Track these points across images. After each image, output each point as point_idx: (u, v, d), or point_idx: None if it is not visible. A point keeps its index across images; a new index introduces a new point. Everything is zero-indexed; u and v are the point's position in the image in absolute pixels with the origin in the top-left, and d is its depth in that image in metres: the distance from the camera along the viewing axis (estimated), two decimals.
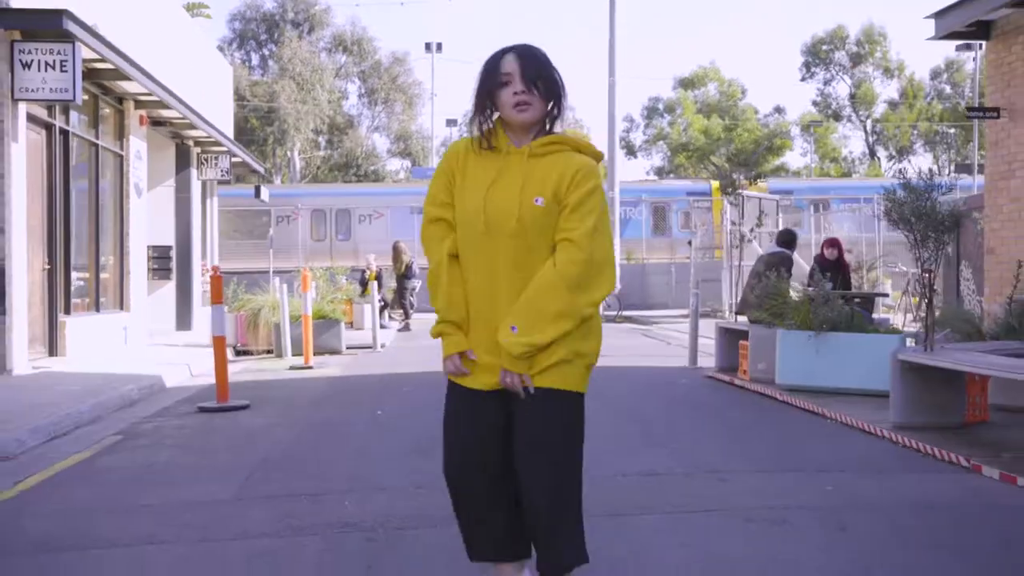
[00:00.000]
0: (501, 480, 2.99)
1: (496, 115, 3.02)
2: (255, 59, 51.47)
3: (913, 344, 9.21)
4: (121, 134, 15.28)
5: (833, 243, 11.38)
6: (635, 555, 4.05)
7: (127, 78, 13.46)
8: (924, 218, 6.55)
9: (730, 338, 10.74)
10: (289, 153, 47.89)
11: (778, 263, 10.02)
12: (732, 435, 7.05)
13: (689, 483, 5.37)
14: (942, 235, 6.67)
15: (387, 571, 3.96)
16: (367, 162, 51.60)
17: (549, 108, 2.97)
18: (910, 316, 15.73)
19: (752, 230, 14.04)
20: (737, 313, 10.83)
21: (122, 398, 9.45)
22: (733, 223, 13.75)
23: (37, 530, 4.67)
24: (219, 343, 8.92)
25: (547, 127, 2.99)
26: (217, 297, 9.01)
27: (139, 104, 15.48)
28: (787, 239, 10.73)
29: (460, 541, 3.17)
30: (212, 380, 9.87)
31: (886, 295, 13.87)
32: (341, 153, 50.63)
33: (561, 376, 2.90)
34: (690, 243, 26.76)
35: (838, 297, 9.34)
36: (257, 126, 47.22)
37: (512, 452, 2.95)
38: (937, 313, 10.79)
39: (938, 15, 12.49)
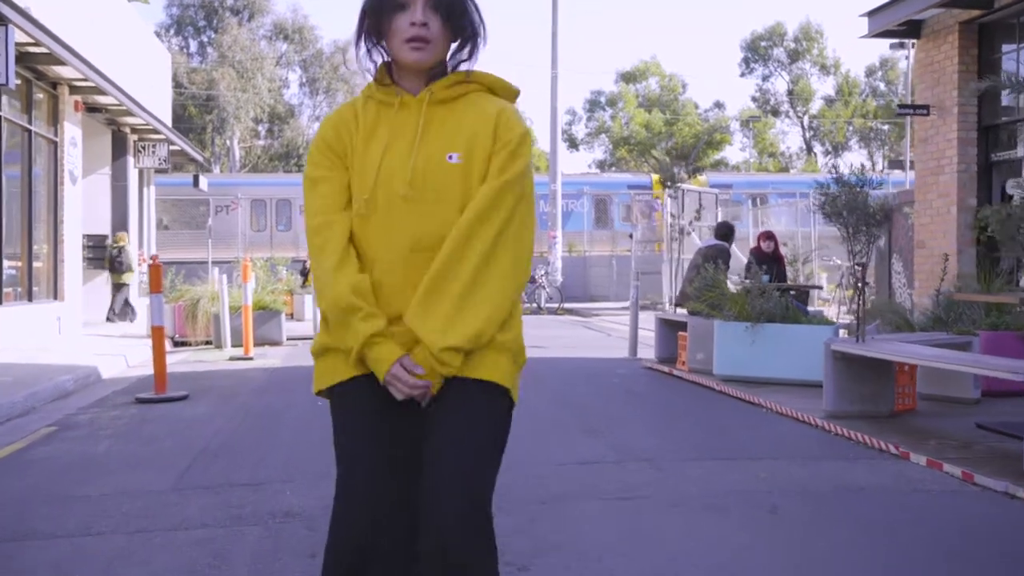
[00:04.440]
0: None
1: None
2: (193, 45, 50.72)
3: (845, 335, 9.46)
4: (55, 120, 14.99)
5: (769, 236, 11.59)
6: (573, 540, 4.13)
7: (62, 63, 13.21)
8: (856, 212, 6.73)
9: (669, 329, 10.90)
10: (228, 142, 47.28)
11: (715, 255, 10.19)
12: (667, 423, 7.18)
13: (623, 471, 5.47)
14: (873, 228, 6.85)
15: None
16: (308, 151, 51.15)
17: (455, 50, 2.29)
18: (843, 308, 16.10)
19: (691, 223, 14.23)
20: (676, 305, 10.99)
21: (56, 388, 9.30)
22: (672, 215, 13.90)
23: None
24: (157, 333, 8.82)
25: (448, 68, 2.29)
26: (156, 286, 8.91)
27: (74, 90, 15.20)
28: (724, 232, 10.91)
29: None
30: (149, 371, 9.74)
31: (820, 287, 14.15)
32: (282, 142, 50.13)
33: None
34: (631, 236, 27.05)
35: (774, 289, 9.55)
36: (195, 114, 46.55)
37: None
38: (869, 305, 11.08)
39: (871, 14, 12.79)
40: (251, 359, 12.44)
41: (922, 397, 7.81)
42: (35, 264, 14.44)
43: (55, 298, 15.02)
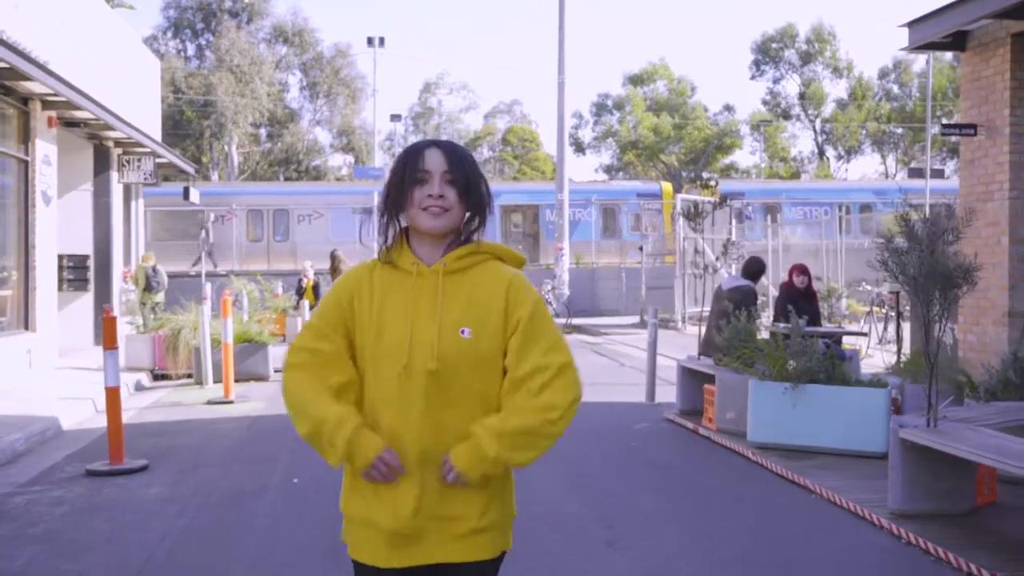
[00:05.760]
0: None
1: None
2: (191, 49, 49.67)
3: (896, 394, 8.33)
4: (26, 138, 13.90)
5: (803, 270, 10.44)
6: None
7: (29, 78, 12.14)
8: (931, 275, 5.60)
9: (693, 379, 9.75)
10: (227, 148, 46.17)
11: (742, 300, 9.04)
12: (704, 522, 6.05)
13: None
14: (950, 292, 5.72)
15: None
16: (308, 157, 50.03)
17: (467, 219, 2.50)
18: (875, 337, 14.97)
19: (718, 258, 13.09)
20: (700, 354, 9.83)
21: (3, 452, 8.23)
22: (697, 252, 12.79)
23: None
24: (112, 395, 7.70)
25: (462, 236, 2.50)
26: (111, 342, 7.79)
27: (48, 105, 14.10)
28: (754, 270, 9.75)
29: None
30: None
31: (865, 334, 12.95)
32: (281, 148, 49.00)
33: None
34: (641, 248, 25.91)
35: (815, 336, 8.44)
36: (193, 119, 45.46)
37: None
38: (908, 351, 9.95)
39: (912, 24, 11.63)
40: (231, 402, 11.37)
41: (1000, 480, 6.67)
42: (3, 293, 13.38)
43: (26, 329, 13.94)
